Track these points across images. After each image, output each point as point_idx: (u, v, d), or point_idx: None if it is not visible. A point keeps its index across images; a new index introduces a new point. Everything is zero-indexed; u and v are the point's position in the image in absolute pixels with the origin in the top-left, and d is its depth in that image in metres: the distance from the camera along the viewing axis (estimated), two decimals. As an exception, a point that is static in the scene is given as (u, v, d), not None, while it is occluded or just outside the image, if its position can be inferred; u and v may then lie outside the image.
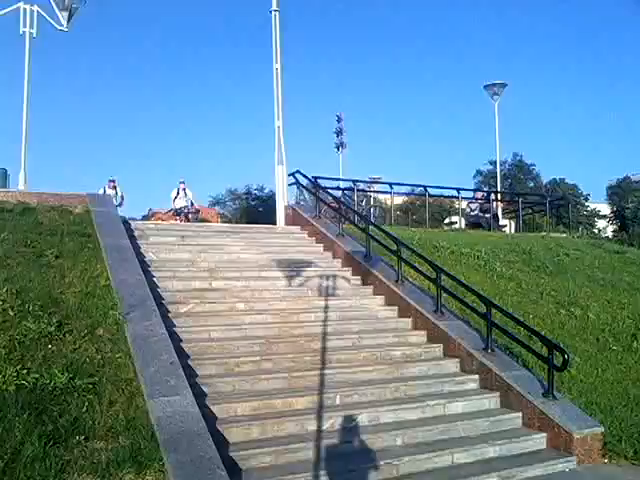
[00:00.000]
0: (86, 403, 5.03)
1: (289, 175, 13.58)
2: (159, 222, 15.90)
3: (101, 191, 15.72)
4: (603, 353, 8.01)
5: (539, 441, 6.07)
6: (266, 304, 8.16)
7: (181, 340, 6.62)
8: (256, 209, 34.66)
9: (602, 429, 6.08)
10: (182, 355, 6.17)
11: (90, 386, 5.24)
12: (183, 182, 18.63)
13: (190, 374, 5.85)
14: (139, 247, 9.10)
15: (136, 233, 9.83)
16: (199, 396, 5.50)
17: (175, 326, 6.93)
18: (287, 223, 13.08)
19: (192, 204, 18.93)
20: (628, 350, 8.23)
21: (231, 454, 4.99)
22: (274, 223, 13.59)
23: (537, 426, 6.18)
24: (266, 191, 37.99)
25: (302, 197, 14.90)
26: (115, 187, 16.72)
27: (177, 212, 18.66)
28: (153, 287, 7.58)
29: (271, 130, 13.96)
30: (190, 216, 18.49)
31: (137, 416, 5.08)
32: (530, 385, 6.52)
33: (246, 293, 8.41)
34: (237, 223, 23.96)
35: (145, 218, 26.89)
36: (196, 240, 10.27)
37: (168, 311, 7.26)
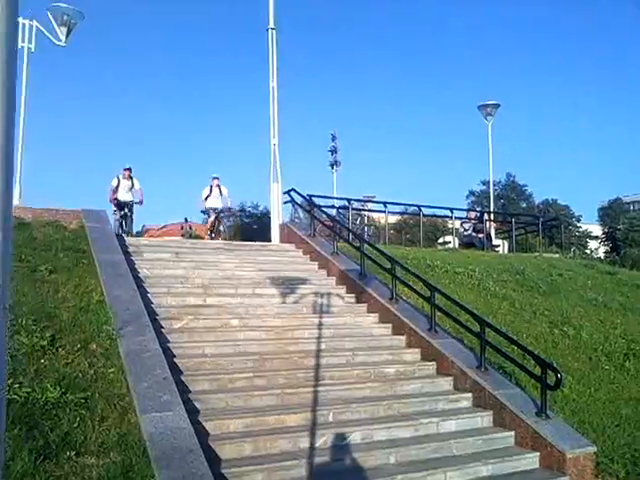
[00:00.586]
0: (78, 418, 5.00)
1: (284, 193, 13.64)
2: (156, 238, 15.90)
3: (114, 181, 14.57)
4: (595, 372, 8.03)
5: (532, 460, 6.05)
6: (260, 321, 8.16)
7: (174, 356, 6.61)
8: (250, 226, 34.66)
9: (595, 449, 6.08)
10: (175, 371, 6.15)
11: (82, 401, 5.20)
12: (217, 178, 15.72)
13: (183, 390, 5.83)
14: (133, 263, 9.10)
15: (130, 249, 9.84)
16: (192, 412, 5.47)
17: (169, 342, 6.91)
18: (282, 241, 13.12)
19: (229, 206, 16.36)
20: (620, 369, 8.25)
21: (223, 471, 4.95)
22: (268, 240, 13.63)
23: (530, 445, 6.17)
24: (260, 208, 38.07)
25: (297, 215, 15.01)
26: (131, 177, 14.66)
27: (207, 213, 16.23)
28: (147, 303, 7.57)
29: (267, 148, 14.08)
30: (222, 221, 16.39)
31: (129, 432, 5.04)
32: (523, 404, 6.52)
33: (240, 310, 8.41)
34: (231, 240, 24.01)
35: (138, 234, 26.80)
36: (190, 257, 10.29)
37: (162, 327, 7.24)
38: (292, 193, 13.35)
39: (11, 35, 1.05)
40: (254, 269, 10.21)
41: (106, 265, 8.09)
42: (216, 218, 15.78)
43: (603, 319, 10.03)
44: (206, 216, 16.34)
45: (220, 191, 15.56)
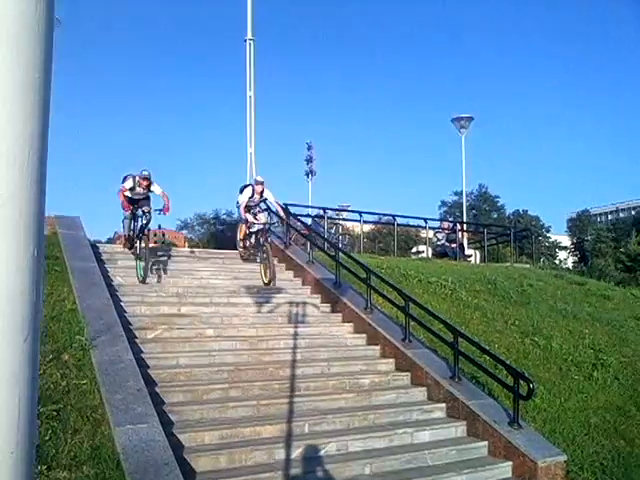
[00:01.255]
0: (49, 431, 4.89)
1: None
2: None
3: (129, 183, 10.06)
4: (565, 382, 8.19)
5: (505, 470, 6.13)
6: (235, 330, 8.12)
7: (148, 367, 6.53)
8: (224, 234, 34.49)
9: (565, 457, 6.19)
10: (149, 382, 6.08)
11: (54, 413, 5.10)
12: (262, 182, 11.14)
13: (157, 401, 5.77)
14: (107, 271, 8.99)
15: (104, 256, 9.72)
16: (166, 424, 5.41)
17: (142, 352, 6.83)
18: (257, 249, 13.06)
19: (281, 217, 11.96)
20: (589, 379, 8.43)
21: (198, 484, 4.91)
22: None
23: (503, 455, 6.26)
24: (235, 216, 37.82)
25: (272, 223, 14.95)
26: (149, 186, 10.08)
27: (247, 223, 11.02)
28: (121, 312, 7.48)
29: (243, 156, 14.08)
30: (267, 240, 10.51)
31: (102, 444, 4.97)
32: (496, 414, 6.61)
33: (215, 319, 8.35)
34: (204, 247, 23.84)
35: (110, 241, 26.45)
36: (165, 265, 10.19)
37: (135, 337, 7.16)
38: (267, 202, 13.33)
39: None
40: (229, 277, 10.16)
41: (79, 273, 7.97)
42: (261, 235, 10.61)
43: (572, 329, 10.24)
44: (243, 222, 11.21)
45: (264, 199, 11.18)
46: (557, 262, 47.55)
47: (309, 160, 34.69)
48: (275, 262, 11.60)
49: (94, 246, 10.18)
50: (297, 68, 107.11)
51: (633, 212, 68.12)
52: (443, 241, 17.82)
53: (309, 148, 34.78)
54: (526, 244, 25.48)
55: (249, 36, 14.00)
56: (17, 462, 0.99)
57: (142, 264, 9.26)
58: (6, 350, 0.97)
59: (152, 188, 10.13)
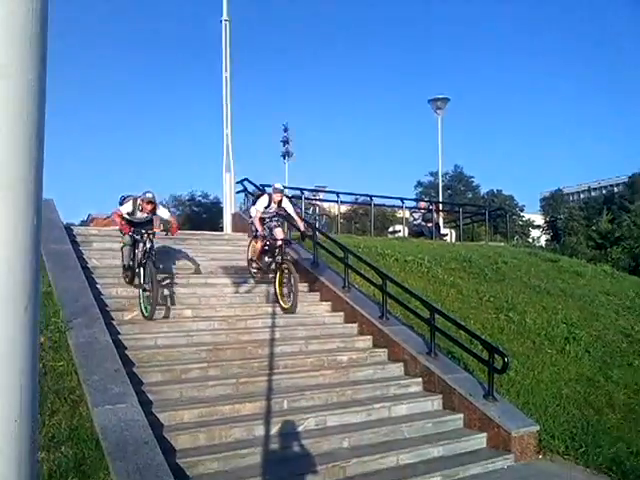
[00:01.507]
0: (27, 413, 4.87)
1: (237, 183, 13.59)
2: (103, 228, 15.43)
3: (128, 206, 8.41)
4: (539, 356, 8.39)
5: (480, 441, 6.29)
6: (213, 311, 8.13)
7: (126, 348, 6.51)
8: (200, 216, 34.26)
9: (537, 427, 6.37)
10: (127, 363, 6.07)
11: (31, 395, 5.07)
12: (281, 190, 9.46)
13: (136, 382, 5.76)
14: (82, 253, 8.89)
15: (79, 239, 9.60)
16: (145, 404, 5.42)
17: (120, 333, 6.80)
18: (234, 230, 13.07)
19: (305, 231, 9.62)
20: (561, 352, 8.65)
21: (178, 461, 4.94)
22: (219, 230, 13.54)
23: (478, 426, 6.41)
24: (211, 198, 37.65)
25: (249, 205, 14.90)
26: (153, 210, 8.43)
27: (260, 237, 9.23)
28: (97, 294, 7.42)
29: (218, 138, 13.95)
30: (286, 258, 8.97)
31: (81, 425, 4.96)
32: (471, 387, 6.76)
33: (193, 300, 8.35)
34: (180, 229, 23.64)
35: (84, 224, 26.04)
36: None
37: (112, 318, 7.12)
38: (245, 182, 13.31)
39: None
40: (206, 258, 10.13)
41: (53, 255, 7.86)
42: (279, 253, 8.87)
43: (545, 305, 10.45)
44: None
45: (284, 210, 9.43)
46: (530, 240, 48.30)
47: (285, 142, 34.58)
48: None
49: (68, 229, 10.04)
50: (273, 49, 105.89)
51: (604, 191, 69.39)
52: (419, 220, 17.95)
53: (285, 130, 34.66)
54: (500, 223, 25.82)
55: (224, 17, 13.80)
56: (21, 429, 1.01)
57: (147, 295, 7.60)
58: (7, 319, 0.98)
59: (158, 213, 8.62)
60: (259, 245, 9.28)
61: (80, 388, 5.39)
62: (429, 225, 17.33)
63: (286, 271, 8.62)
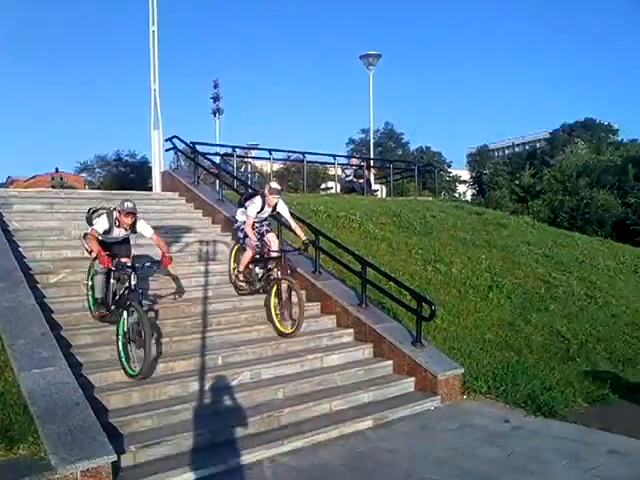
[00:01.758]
0: (-53, 381, 4.70)
1: (166, 140, 13.19)
2: (24, 190, 14.62)
3: (103, 224, 6.43)
4: (464, 304, 8.80)
5: (408, 385, 6.61)
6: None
7: (53, 311, 6.32)
8: (127, 176, 33.14)
9: (462, 370, 6.75)
10: (55, 326, 5.92)
11: (-49, 363, 4.88)
12: (279, 191, 7.78)
13: (64, 345, 5.64)
14: (2, 216, 8.47)
15: (-3, 201, 9.11)
16: (75, 366, 5.34)
17: (45, 297, 6.59)
18: (164, 189, 12.76)
19: (305, 240, 7.73)
20: (485, 300, 9.12)
21: (111, 421, 4.93)
22: (147, 189, 13.19)
23: (407, 372, 6.72)
24: (138, 157, 36.43)
25: (179, 163, 14.56)
26: (133, 225, 6.55)
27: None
28: (19, 257, 7.14)
29: (146, 94, 13.42)
30: (286, 271, 7.56)
31: (7, 391, 4.86)
32: (400, 335, 7.04)
33: (122, 261, 8.14)
34: (107, 190, 22.81)
35: (3, 186, 24.67)
36: (66, 208, 9.73)
37: (37, 282, 6.88)
38: (174, 140, 12.95)
39: None
40: (135, 219, 9.86)
41: (-33, 219, 7.45)
42: (276, 265, 7.35)
43: (471, 256, 10.90)
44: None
45: (278, 214, 7.97)
46: (457, 195, 49.89)
47: (216, 98, 33.70)
48: (184, 202, 11.39)
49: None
50: (203, 5, 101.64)
51: (527, 147, 72.11)
52: (351, 177, 18.13)
53: (215, 86, 33.70)
54: (429, 179, 26.48)
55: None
56: None
57: (131, 349, 5.65)
58: None
59: (138, 228, 6.60)
60: (249, 254, 7.69)
61: (4, 353, 5.24)
62: (360, 181, 17.53)
63: (285, 288, 7.22)
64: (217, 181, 11.81)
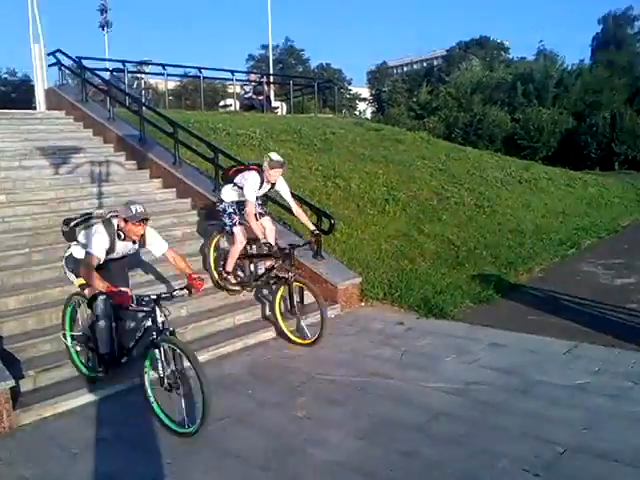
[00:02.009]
0: None
1: (48, 55, 12.12)
2: None
3: (104, 242, 4.44)
4: (362, 217, 9.13)
5: (310, 296, 6.86)
6: (31, 194, 7.59)
7: None
8: (8, 95, 30.37)
9: (360, 279, 7.11)
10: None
11: None
12: (282, 165, 6.21)
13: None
14: None
15: None
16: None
17: None
18: (49, 108, 11.90)
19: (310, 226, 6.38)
20: (382, 213, 9.50)
21: (6, 347, 4.82)
22: (32, 108, 12.22)
23: (308, 283, 6.95)
24: (19, 75, 33.40)
25: (65, 80, 13.47)
26: (142, 237, 4.67)
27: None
28: None
29: (22, 3, 12.12)
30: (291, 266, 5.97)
31: None
32: (302, 250, 7.20)
33: (7, 184, 7.67)
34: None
35: None
36: None
37: None
38: (58, 55, 11.99)
39: None
40: (19, 139, 9.28)
41: None
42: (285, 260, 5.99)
43: (369, 171, 11.20)
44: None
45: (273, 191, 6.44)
46: (357, 112, 50.19)
47: (103, 10, 31.23)
48: (71, 120, 10.66)
49: None
50: None
51: (425, 64, 73.01)
52: (250, 94, 17.68)
53: (102, -3, 31.06)
54: (329, 96, 26.30)
55: None
56: None
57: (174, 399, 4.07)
58: None
59: (148, 241, 4.78)
60: (239, 247, 6.31)
61: None
62: (260, 98, 17.16)
63: (297, 290, 6.08)
64: (107, 98, 11.11)
